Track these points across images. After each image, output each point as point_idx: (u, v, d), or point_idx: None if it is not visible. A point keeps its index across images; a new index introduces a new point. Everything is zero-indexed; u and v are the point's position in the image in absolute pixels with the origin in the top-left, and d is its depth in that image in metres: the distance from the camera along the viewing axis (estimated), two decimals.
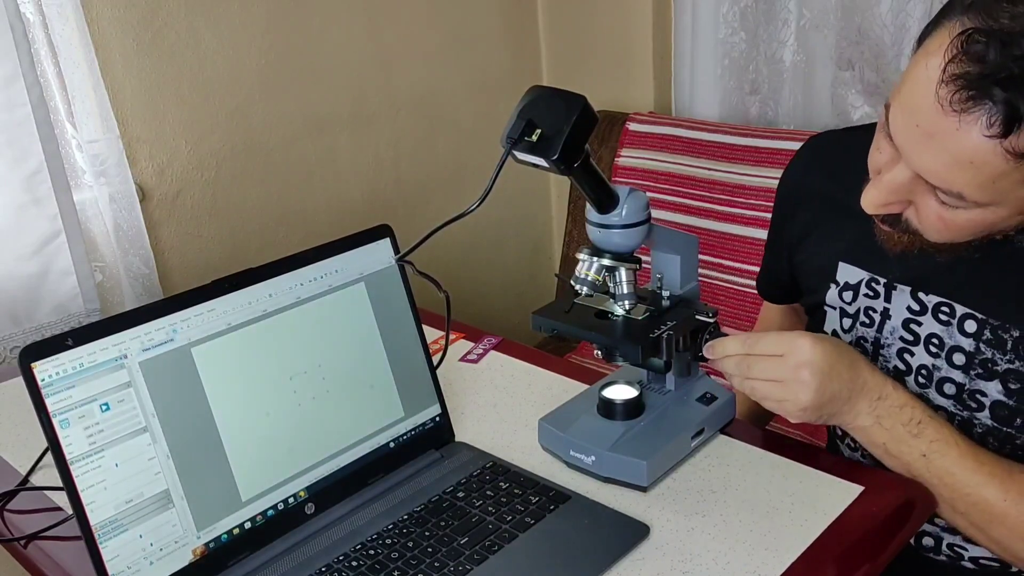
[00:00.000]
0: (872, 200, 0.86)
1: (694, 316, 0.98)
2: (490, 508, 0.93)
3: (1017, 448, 0.94)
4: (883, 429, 0.91)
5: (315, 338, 0.94)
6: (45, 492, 1.03)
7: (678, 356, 0.99)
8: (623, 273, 0.95)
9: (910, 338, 0.99)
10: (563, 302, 1.01)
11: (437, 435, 1.04)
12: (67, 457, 0.78)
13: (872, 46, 1.85)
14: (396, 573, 0.85)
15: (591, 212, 0.92)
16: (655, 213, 0.93)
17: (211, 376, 0.86)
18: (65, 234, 1.51)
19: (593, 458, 0.95)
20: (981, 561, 1.02)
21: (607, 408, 0.98)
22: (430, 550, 0.87)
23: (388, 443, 1.00)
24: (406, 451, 1.01)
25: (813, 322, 1.12)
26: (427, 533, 0.90)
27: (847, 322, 1.05)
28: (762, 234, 1.59)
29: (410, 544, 0.88)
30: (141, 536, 0.81)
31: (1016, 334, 0.91)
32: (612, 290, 0.97)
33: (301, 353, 0.93)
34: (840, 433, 1.11)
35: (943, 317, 0.96)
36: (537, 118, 0.82)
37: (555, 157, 0.81)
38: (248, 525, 0.88)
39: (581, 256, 0.94)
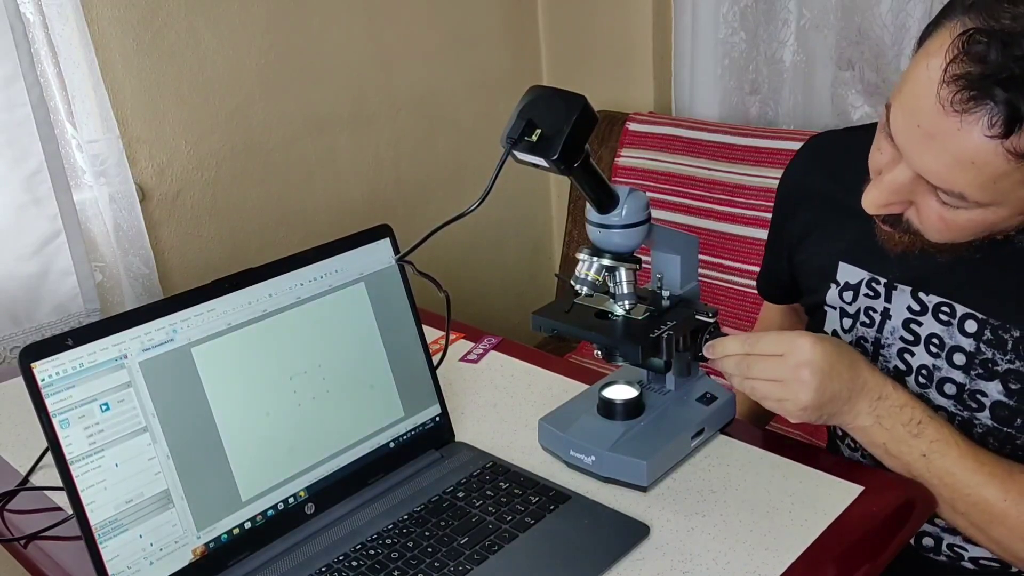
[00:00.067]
0: (873, 200, 0.86)
1: (694, 316, 0.98)
2: (490, 508, 0.93)
3: (1017, 448, 0.94)
4: (883, 429, 0.91)
5: (315, 338, 0.94)
6: (45, 492, 1.03)
7: (678, 356, 0.99)
8: (623, 273, 0.95)
9: (910, 338, 0.99)
10: (563, 302, 1.01)
11: (437, 435, 1.04)
12: (67, 457, 0.78)
13: (872, 46, 1.85)
14: (396, 573, 0.85)
15: (591, 212, 0.92)
16: (655, 213, 0.93)
17: (211, 376, 0.86)
18: (65, 234, 1.51)
19: (593, 458, 0.95)
20: (981, 561, 1.02)
21: (607, 408, 0.98)
22: (430, 550, 0.87)
23: (388, 443, 1.00)
24: (406, 451, 1.01)
25: (813, 322, 1.12)
26: (427, 533, 0.90)
27: (847, 322, 1.05)
28: (762, 234, 1.59)
29: (410, 544, 0.88)
30: (141, 536, 0.81)
31: (1016, 334, 0.91)
32: (612, 290, 0.97)
33: (301, 353, 0.93)
34: (840, 433, 1.11)
35: (943, 317, 0.96)
36: (537, 118, 0.82)
37: (555, 157, 0.81)
38: (248, 525, 0.88)
39: (581, 256, 0.94)
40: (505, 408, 1.14)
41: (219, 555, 0.86)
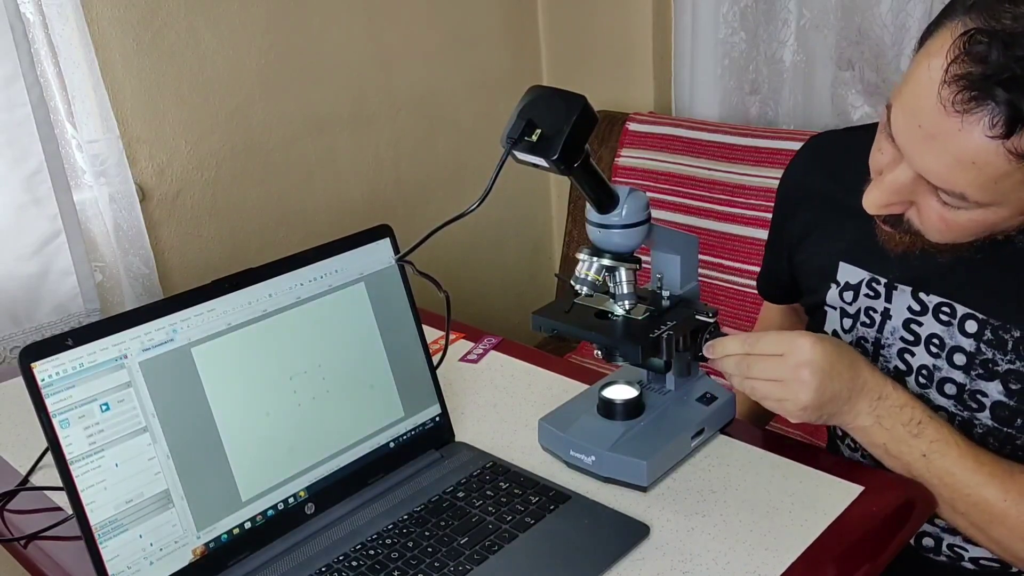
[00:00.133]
0: (874, 201, 0.86)
1: (694, 316, 0.98)
2: (490, 508, 0.93)
3: (1017, 448, 0.94)
4: (883, 429, 0.91)
5: (315, 338, 0.94)
6: (45, 492, 1.03)
7: (678, 356, 0.99)
8: (623, 273, 0.95)
9: (911, 338, 0.99)
10: (563, 302, 1.01)
11: (437, 435, 1.04)
12: (67, 457, 0.78)
13: (872, 46, 1.85)
14: (396, 573, 0.85)
15: (591, 212, 0.92)
16: (655, 213, 0.93)
17: (211, 376, 0.86)
18: (65, 234, 1.51)
19: (593, 458, 0.95)
20: (981, 562, 1.02)
21: (607, 408, 0.98)
22: (430, 550, 0.87)
23: (388, 443, 1.00)
24: (406, 451, 1.01)
25: (813, 322, 1.12)
26: (427, 533, 0.90)
27: (847, 322, 1.05)
28: (762, 234, 1.59)
29: (410, 544, 0.88)
30: (141, 536, 0.81)
31: (1017, 334, 0.91)
32: (612, 290, 0.97)
33: (301, 353, 0.93)
34: (840, 433, 1.11)
35: (944, 317, 0.96)
36: (537, 118, 0.82)
37: (555, 157, 0.81)
38: (248, 525, 0.88)
39: (581, 256, 0.94)
40: (505, 408, 1.14)
41: (219, 555, 0.86)
